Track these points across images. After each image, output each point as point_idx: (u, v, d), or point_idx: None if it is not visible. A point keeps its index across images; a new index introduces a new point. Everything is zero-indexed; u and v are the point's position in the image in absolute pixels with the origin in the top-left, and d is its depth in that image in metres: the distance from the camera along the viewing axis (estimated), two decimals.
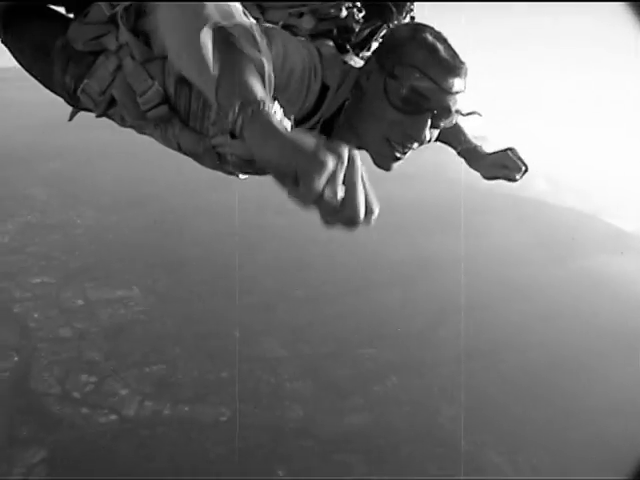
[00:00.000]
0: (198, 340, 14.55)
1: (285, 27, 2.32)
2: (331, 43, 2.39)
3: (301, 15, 2.34)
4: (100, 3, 2.33)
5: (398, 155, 2.26)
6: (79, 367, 13.23)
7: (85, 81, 2.36)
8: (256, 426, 12.15)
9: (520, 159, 2.66)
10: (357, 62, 2.40)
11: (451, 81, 2.15)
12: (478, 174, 2.82)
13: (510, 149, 2.70)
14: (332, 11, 2.32)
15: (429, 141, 2.28)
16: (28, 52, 2.55)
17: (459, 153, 2.92)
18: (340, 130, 2.36)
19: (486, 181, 2.77)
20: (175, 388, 12.90)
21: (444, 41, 2.21)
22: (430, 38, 2.19)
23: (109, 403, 12.33)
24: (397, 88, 2.16)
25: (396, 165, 2.30)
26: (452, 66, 2.15)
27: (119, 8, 2.27)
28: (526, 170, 2.65)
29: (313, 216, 1.25)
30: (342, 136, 2.34)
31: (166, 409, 12.50)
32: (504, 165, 2.66)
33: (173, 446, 11.67)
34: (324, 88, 2.26)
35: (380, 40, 2.43)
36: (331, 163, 1.15)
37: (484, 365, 14.05)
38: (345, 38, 2.44)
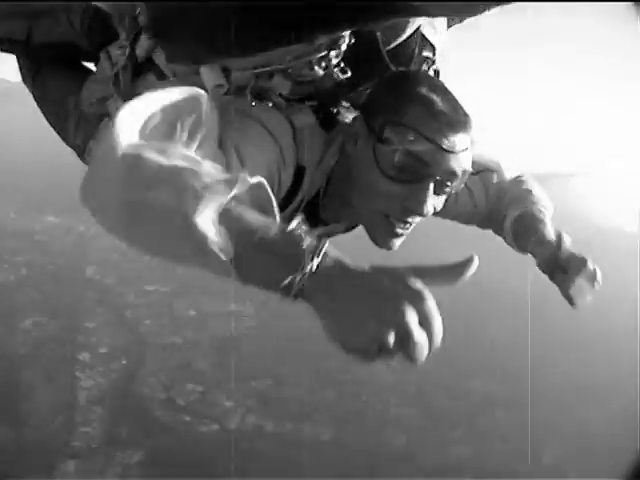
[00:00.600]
0: (306, 359, 14.43)
1: (259, 93, 2.04)
2: (310, 112, 2.06)
3: (271, 76, 2.04)
4: (103, 59, 2.20)
5: (398, 232, 1.91)
6: (186, 375, 13.42)
7: (90, 143, 2.27)
8: (357, 449, 11.79)
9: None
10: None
11: (453, 139, 1.79)
12: None
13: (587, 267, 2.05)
14: (305, 71, 1.99)
15: (436, 211, 1.92)
16: (49, 105, 2.51)
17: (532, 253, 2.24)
18: (330, 206, 2.06)
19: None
20: (279, 404, 12.70)
21: (442, 90, 1.86)
22: (423, 89, 1.84)
23: (212, 413, 12.36)
24: (388, 154, 1.81)
25: (398, 243, 1.95)
26: (453, 121, 1.81)
27: (118, 67, 2.15)
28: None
29: None
30: (333, 212, 2.07)
31: (268, 425, 12.35)
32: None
33: (271, 461, 11.47)
34: (300, 168, 1.98)
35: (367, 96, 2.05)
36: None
37: (592, 403, 13.61)
38: (331, 102, 2.12)
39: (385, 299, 1.13)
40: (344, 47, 1.95)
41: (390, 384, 13.66)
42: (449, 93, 1.87)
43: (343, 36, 1.90)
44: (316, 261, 1.18)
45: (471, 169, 1.87)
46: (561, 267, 2.03)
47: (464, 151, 1.82)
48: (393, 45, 2.03)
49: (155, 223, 1.27)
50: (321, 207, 2.07)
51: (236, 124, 1.87)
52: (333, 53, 1.94)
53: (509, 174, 2.41)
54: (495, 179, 2.37)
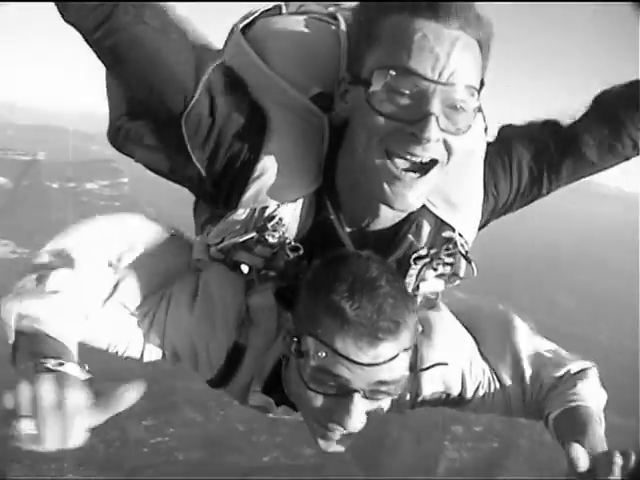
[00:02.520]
0: None
1: (235, 264, 2.25)
2: (270, 293, 2.21)
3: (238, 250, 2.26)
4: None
5: (329, 436, 2.00)
6: None
7: None
8: None
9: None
10: None
11: (372, 352, 1.82)
12: None
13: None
14: (257, 249, 2.20)
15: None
16: None
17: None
18: (290, 396, 2.18)
19: None
20: None
21: (370, 288, 1.83)
22: (341, 293, 1.84)
23: None
24: (307, 369, 1.88)
25: (333, 446, 2.03)
26: (372, 332, 1.80)
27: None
28: None
29: None
30: (294, 402, 2.18)
31: None
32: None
33: None
34: (238, 347, 2.20)
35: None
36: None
37: None
38: (290, 279, 2.19)
39: None
40: (284, 229, 2.10)
41: None
42: (382, 288, 1.83)
43: (280, 219, 2.08)
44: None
45: (403, 372, 1.90)
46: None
47: (391, 360, 1.81)
48: (374, 229, 2.19)
49: None
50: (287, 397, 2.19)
51: (190, 285, 2.25)
52: (269, 236, 2.09)
53: (564, 368, 2.35)
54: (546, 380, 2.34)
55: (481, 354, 2.44)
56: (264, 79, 2.13)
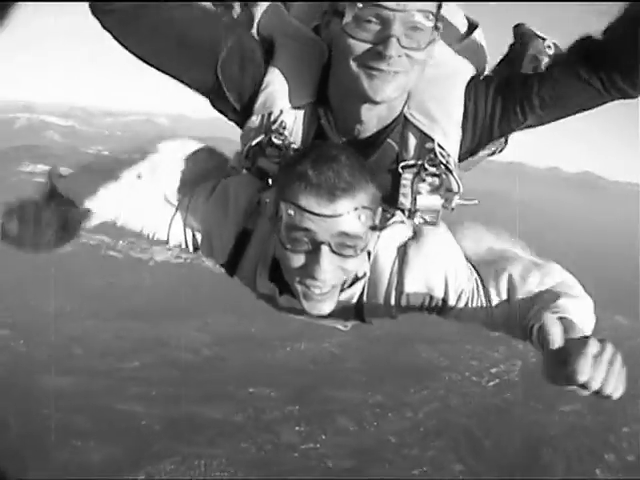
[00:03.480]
0: None
1: (260, 171, 2.82)
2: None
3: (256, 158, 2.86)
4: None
5: (316, 292, 2.37)
6: None
7: None
8: None
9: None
10: None
11: (333, 206, 2.20)
12: None
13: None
14: (268, 151, 2.77)
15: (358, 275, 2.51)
16: None
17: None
18: (284, 274, 2.56)
19: None
20: None
21: (324, 159, 2.24)
22: (308, 164, 2.25)
23: None
24: (281, 229, 2.28)
25: (324, 306, 2.43)
26: (331, 189, 2.19)
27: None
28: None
29: None
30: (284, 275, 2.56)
31: None
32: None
33: None
34: (245, 232, 2.70)
35: None
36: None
37: None
38: None
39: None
40: (287, 133, 2.61)
41: None
42: (341, 160, 2.25)
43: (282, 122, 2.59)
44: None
45: (363, 229, 2.29)
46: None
47: (348, 213, 2.21)
48: (363, 137, 2.67)
49: None
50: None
51: (212, 183, 2.82)
52: (277, 138, 2.59)
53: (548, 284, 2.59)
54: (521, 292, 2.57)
55: (473, 267, 2.69)
56: (276, 17, 2.77)
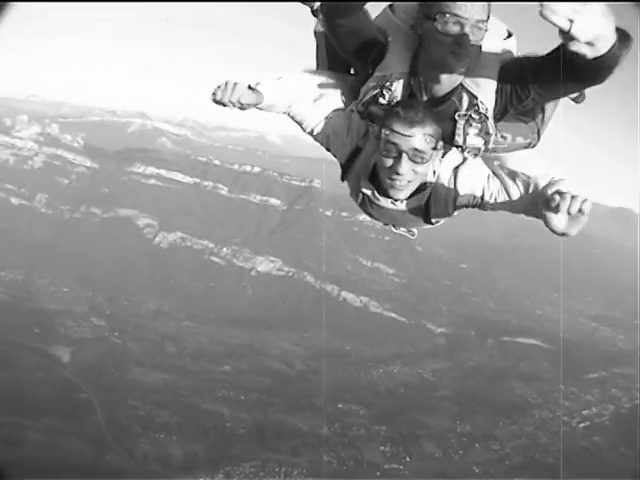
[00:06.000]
0: None
1: (369, 114, 3.99)
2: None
3: (368, 107, 4.02)
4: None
5: (397, 184, 3.68)
6: None
7: None
8: None
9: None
10: None
11: (411, 129, 3.49)
12: None
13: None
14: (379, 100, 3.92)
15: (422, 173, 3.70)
16: None
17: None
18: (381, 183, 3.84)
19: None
20: None
21: (410, 107, 3.56)
22: (397, 108, 3.58)
23: None
24: (380, 142, 3.59)
25: (401, 194, 3.79)
26: (410, 119, 3.48)
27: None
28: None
29: None
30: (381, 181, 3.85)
31: None
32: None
33: None
34: (357, 149, 4.07)
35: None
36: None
37: None
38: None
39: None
40: (392, 90, 3.85)
41: None
42: (422, 105, 3.64)
43: (391, 85, 3.85)
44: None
45: (428, 147, 3.56)
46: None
47: (419, 135, 3.49)
48: (437, 95, 3.80)
49: None
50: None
51: (348, 112, 4.14)
52: (386, 93, 3.82)
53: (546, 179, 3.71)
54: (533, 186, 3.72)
55: (496, 176, 3.94)
56: (387, 19, 4.02)
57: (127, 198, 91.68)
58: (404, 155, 3.54)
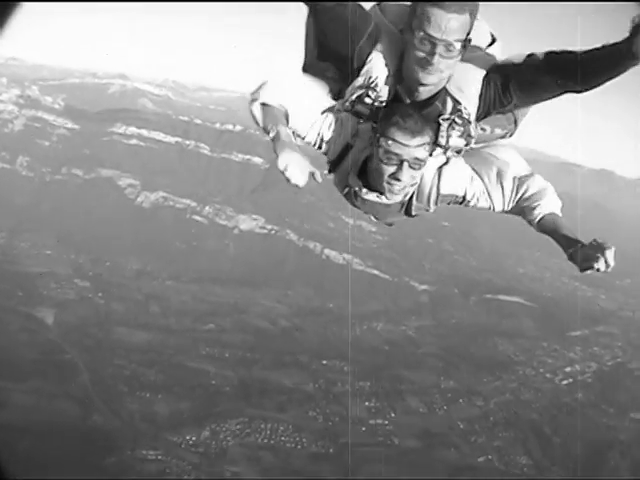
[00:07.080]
0: None
1: (356, 113, 4.03)
2: (370, 126, 3.97)
3: (354, 106, 4.06)
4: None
5: (395, 189, 3.81)
6: None
7: None
8: None
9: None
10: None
11: (412, 140, 3.62)
12: None
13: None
14: (365, 101, 3.95)
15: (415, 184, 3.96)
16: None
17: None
18: (370, 178, 3.98)
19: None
20: None
21: (408, 115, 3.67)
22: (396, 117, 3.66)
23: None
24: (379, 151, 3.70)
25: (397, 197, 3.98)
26: (411, 129, 3.61)
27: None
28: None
29: None
30: (373, 178, 3.96)
31: None
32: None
33: None
34: (348, 145, 4.09)
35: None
36: None
37: None
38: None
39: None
40: (378, 90, 3.89)
41: None
42: (414, 116, 3.70)
43: (376, 85, 3.90)
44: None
45: (425, 155, 3.73)
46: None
47: (420, 145, 3.64)
48: (420, 98, 3.91)
49: None
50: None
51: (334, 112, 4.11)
52: (372, 93, 3.88)
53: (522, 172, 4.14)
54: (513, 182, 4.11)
55: (480, 178, 4.16)
56: (379, 20, 3.98)
57: (109, 159, 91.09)
58: (405, 164, 3.68)
